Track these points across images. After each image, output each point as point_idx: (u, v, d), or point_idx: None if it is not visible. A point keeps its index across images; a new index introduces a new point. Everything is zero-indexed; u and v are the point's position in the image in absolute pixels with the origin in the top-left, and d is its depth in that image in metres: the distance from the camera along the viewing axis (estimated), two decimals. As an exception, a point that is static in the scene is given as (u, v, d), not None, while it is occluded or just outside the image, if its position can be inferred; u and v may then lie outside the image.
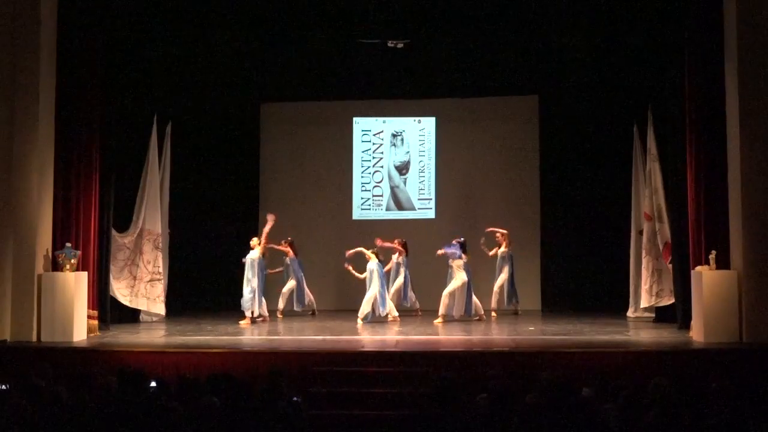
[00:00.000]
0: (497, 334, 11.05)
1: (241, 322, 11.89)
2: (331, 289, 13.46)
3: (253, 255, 12.17)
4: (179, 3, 12.44)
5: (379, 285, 12.12)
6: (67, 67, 10.46)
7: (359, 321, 11.98)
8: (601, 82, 13.60)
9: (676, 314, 11.07)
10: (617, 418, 5.48)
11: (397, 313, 12.37)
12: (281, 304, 12.96)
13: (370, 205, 14.96)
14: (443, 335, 11.07)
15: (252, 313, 12.02)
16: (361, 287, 12.41)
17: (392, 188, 14.98)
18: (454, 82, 14.39)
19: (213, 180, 14.35)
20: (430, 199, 14.89)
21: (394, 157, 15.01)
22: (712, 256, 9.79)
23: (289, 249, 12.97)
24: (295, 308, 12.93)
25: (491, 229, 13.20)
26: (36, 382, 6.29)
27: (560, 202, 14.15)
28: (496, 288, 13.05)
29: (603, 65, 13.44)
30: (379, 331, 11.36)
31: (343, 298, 13.77)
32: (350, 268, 12.59)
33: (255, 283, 12.03)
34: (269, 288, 12.84)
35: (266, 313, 12.40)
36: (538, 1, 12.48)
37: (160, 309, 12.34)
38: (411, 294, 12.94)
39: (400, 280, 12.84)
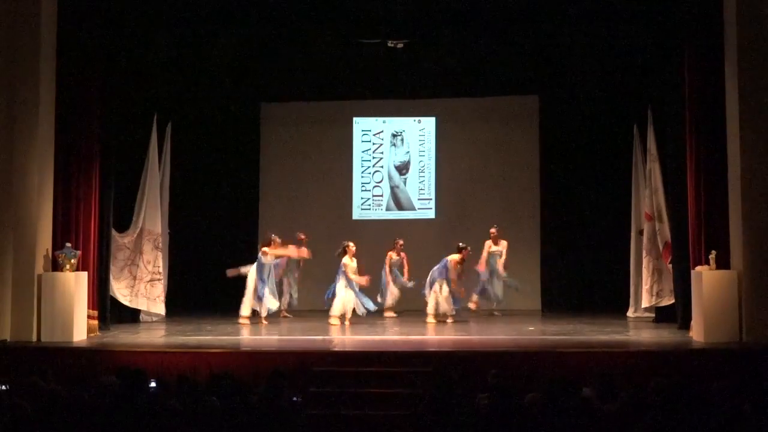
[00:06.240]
0: (497, 334, 11.05)
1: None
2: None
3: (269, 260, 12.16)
4: (179, 3, 12.43)
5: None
6: (67, 67, 10.44)
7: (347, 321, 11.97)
8: (601, 83, 13.60)
9: (676, 314, 11.07)
10: (617, 418, 5.48)
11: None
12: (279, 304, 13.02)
13: (370, 205, 14.95)
14: (443, 335, 11.07)
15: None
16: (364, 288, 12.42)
17: (392, 188, 14.97)
18: (454, 82, 14.38)
19: (213, 180, 14.37)
20: (430, 199, 14.88)
21: (394, 157, 15.01)
22: (712, 256, 9.78)
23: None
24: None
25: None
26: (36, 382, 6.30)
27: (560, 202, 14.14)
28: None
29: (603, 65, 13.44)
30: (379, 331, 11.36)
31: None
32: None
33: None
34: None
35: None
36: (539, 1, 12.48)
37: (160, 309, 12.32)
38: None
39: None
